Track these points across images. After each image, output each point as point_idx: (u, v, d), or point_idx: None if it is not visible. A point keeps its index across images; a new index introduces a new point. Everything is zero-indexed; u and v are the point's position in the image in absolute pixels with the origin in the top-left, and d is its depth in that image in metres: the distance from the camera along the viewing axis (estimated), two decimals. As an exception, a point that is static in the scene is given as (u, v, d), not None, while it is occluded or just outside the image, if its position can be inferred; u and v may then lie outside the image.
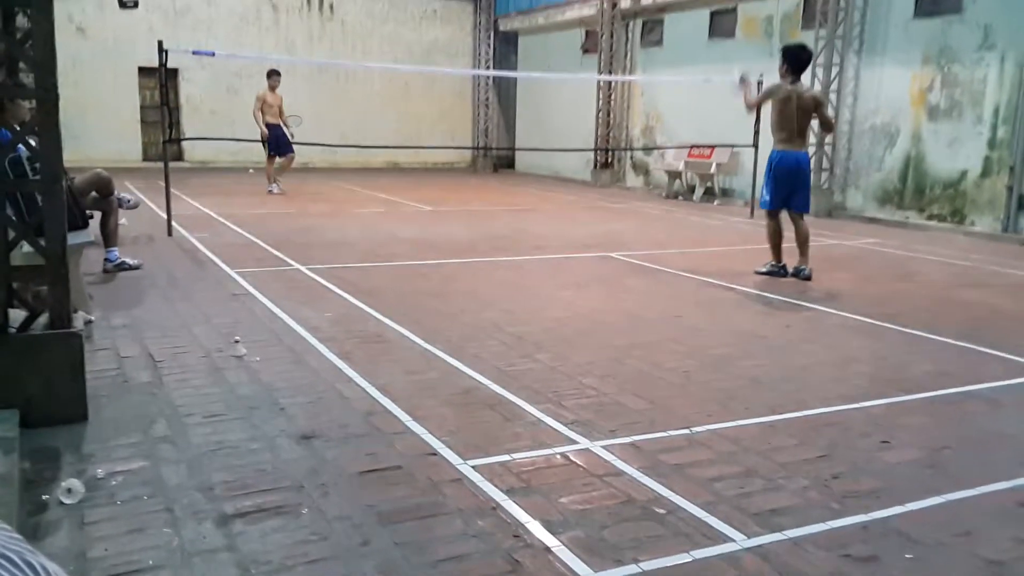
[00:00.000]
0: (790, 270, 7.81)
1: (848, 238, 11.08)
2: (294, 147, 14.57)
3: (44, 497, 2.98)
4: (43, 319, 3.79)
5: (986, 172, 11.72)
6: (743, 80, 8.19)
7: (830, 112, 13.73)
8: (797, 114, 7.68)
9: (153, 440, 3.55)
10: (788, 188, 7.74)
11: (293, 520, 2.88)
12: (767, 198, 7.83)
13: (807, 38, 14.00)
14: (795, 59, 7.79)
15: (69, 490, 2.95)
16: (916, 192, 12.70)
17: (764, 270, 7.91)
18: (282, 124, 14.46)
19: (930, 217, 12.45)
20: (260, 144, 14.33)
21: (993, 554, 2.82)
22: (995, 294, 7.49)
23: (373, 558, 2.67)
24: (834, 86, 13.59)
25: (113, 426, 3.68)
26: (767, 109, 7.98)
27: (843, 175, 13.86)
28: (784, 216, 7.86)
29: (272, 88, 14.40)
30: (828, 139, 13.73)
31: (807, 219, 8.00)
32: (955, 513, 3.12)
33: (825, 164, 13.82)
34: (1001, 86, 11.46)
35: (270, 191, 14.54)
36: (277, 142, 14.41)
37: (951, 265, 9.08)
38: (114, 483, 3.11)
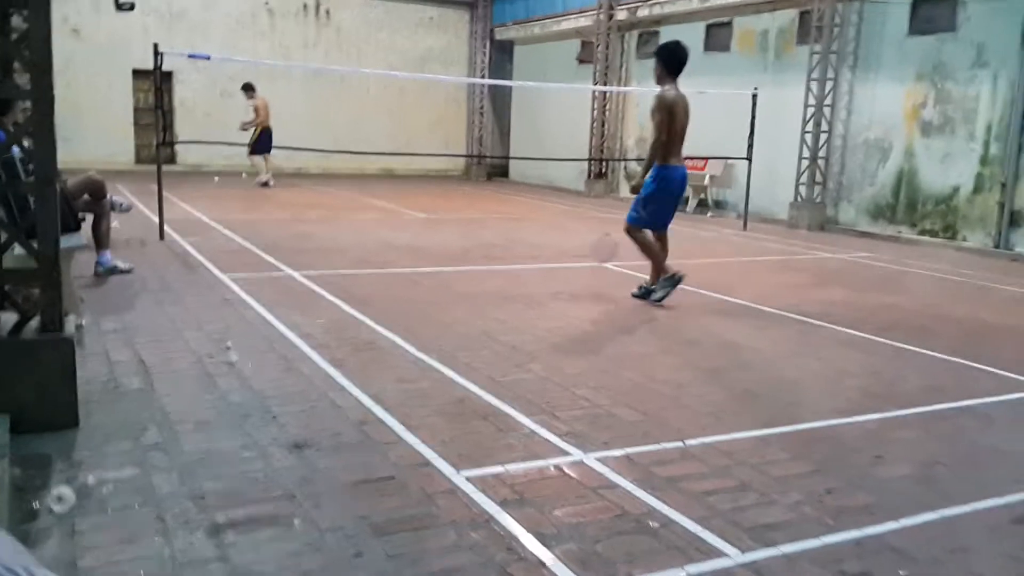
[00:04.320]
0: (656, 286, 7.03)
1: (841, 252, 11.12)
2: (255, 151, 17.12)
3: (34, 504, 2.95)
4: (34, 323, 3.76)
5: (978, 188, 11.79)
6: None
7: (822, 125, 13.82)
8: (684, 123, 6.99)
9: (144, 447, 3.52)
10: (673, 207, 7.16)
11: (285, 530, 2.86)
12: (640, 214, 6.98)
13: (802, 53, 14.11)
14: (673, 58, 6.97)
15: (59, 498, 2.92)
16: (908, 207, 12.76)
17: (663, 293, 6.97)
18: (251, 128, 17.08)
19: (922, 232, 12.50)
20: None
21: (988, 571, 2.82)
22: (987, 309, 7.52)
23: (366, 570, 2.65)
24: (828, 100, 13.66)
25: (104, 433, 3.65)
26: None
27: (836, 189, 13.92)
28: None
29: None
30: (821, 153, 13.79)
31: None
32: (949, 529, 3.11)
33: (818, 178, 13.88)
34: (993, 104, 11.54)
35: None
36: None
37: (943, 280, 9.12)
38: (105, 491, 3.08)
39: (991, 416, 4.48)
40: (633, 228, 7.09)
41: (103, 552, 2.67)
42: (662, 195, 6.99)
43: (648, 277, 7.23)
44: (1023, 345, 6.19)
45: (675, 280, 6.98)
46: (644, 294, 7.14)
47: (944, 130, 12.21)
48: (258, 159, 17.29)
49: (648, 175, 7.00)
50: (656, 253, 7.08)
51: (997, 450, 3.99)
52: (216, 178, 17.42)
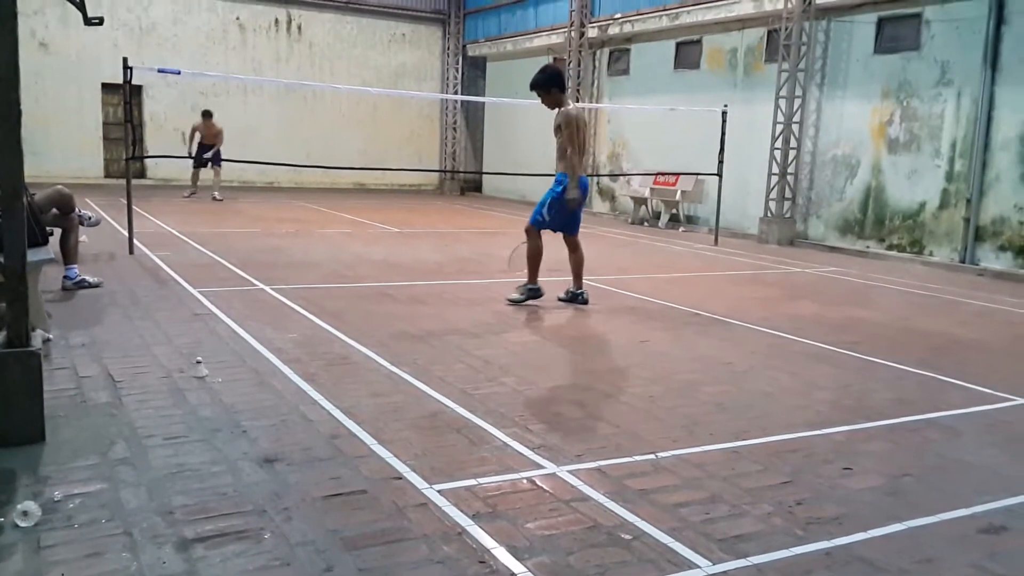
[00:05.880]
0: (559, 293, 7.59)
1: (810, 266, 11.25)
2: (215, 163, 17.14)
3: (-2, 520, 2.90)
4: (0, 337, 3.71)
5: (944, 204, 11.99)
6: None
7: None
8: (585, 135, 7.48)
9: (112, 462, 3.47)
10: (573, 213, 7.40)
11: (255, 545, 2.83)
12: (543, 218, 7.36)
13: (771, 70, 14.30)
14: (557, 77, 7.42)
15: (25, 513, 2.88)
16: (876, 222, 12.95)
17: (521, 297, 7.44)
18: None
19: (890, 247, 12.69)
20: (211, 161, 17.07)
21: (954, 581, 2.85)
22: (953, 323, 7.64)
23: (337, 584, 2.63)
24: (796, 117, 13.84)
25: (71, 447, 3.60)
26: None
27: (805, 205, 14.10)
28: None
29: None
30: (790, 169, 13.96)
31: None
32: (916, 540, 3.15)
33: (788, 193, 14.05)
34: (958, 121, 11.76)
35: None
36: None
37: (911, 294, 9.25)
38: (71, 506, 3.04)
39: (958, 428, 4.55)
40: (532, 229, 7.44)
41: (69, 567, 2.63)
42: (563, 201, 7.30)
43: (572, 282, 7.57)
44: (989, 358, 6.29)
45: (537, 293, 7.46)
46: (571, 298, 7.49)
47: (910, 147, 12.42)
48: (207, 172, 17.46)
49: (555, 181, 7.43)
50: (536, 263, 7.46)
51: (963, 462, 4.04)
52: (186, 194, 17.22)
